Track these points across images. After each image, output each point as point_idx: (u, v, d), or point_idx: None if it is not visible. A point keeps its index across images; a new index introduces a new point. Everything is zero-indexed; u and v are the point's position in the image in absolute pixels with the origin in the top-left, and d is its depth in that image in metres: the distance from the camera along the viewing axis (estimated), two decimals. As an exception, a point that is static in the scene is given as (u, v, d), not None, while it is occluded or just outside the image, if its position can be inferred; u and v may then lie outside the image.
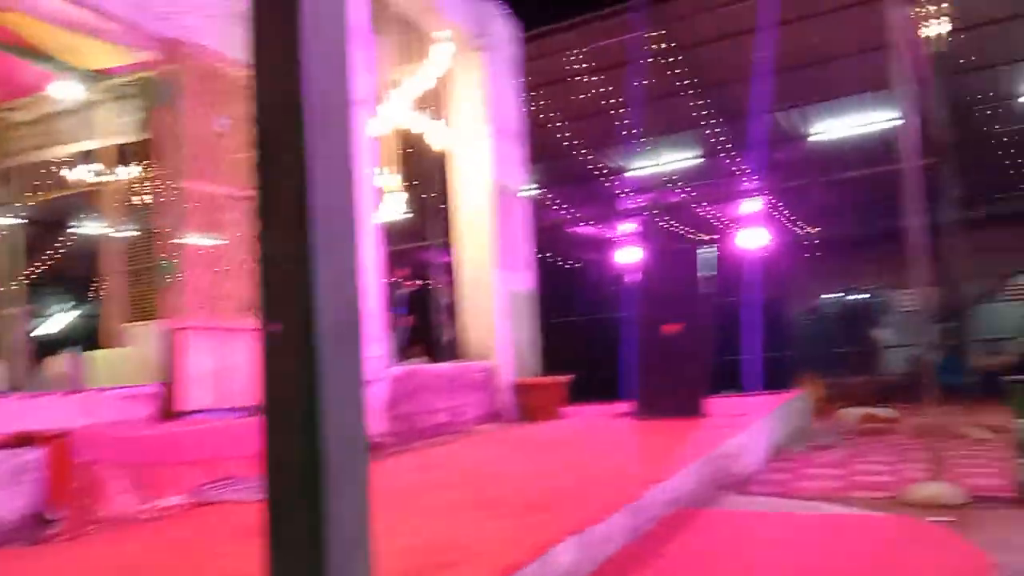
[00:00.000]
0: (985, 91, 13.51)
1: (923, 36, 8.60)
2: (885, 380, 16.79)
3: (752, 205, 16.19)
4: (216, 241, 5.52)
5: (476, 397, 7.63)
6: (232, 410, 5.08)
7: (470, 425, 7.32)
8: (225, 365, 5.25)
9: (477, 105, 8.54)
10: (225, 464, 4.39)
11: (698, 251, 7.58)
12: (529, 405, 7.88)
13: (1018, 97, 13.63)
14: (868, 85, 13.11)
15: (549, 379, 8.27)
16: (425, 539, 2.98)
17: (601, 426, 7.32)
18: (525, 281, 8.86)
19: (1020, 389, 4.95)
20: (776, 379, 12.48)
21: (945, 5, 8.84)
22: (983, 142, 13.86)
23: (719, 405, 7.43)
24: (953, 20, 10.29)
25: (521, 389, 8.01)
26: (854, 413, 9.61)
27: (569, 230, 19.07)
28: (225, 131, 5.59)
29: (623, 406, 7.91)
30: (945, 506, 4.60)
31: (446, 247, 9.02)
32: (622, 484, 4.03)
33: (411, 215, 11.92)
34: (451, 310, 8.71)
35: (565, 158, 16.16)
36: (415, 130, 7.84)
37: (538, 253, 9.84)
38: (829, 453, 7.44)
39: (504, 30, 9.19)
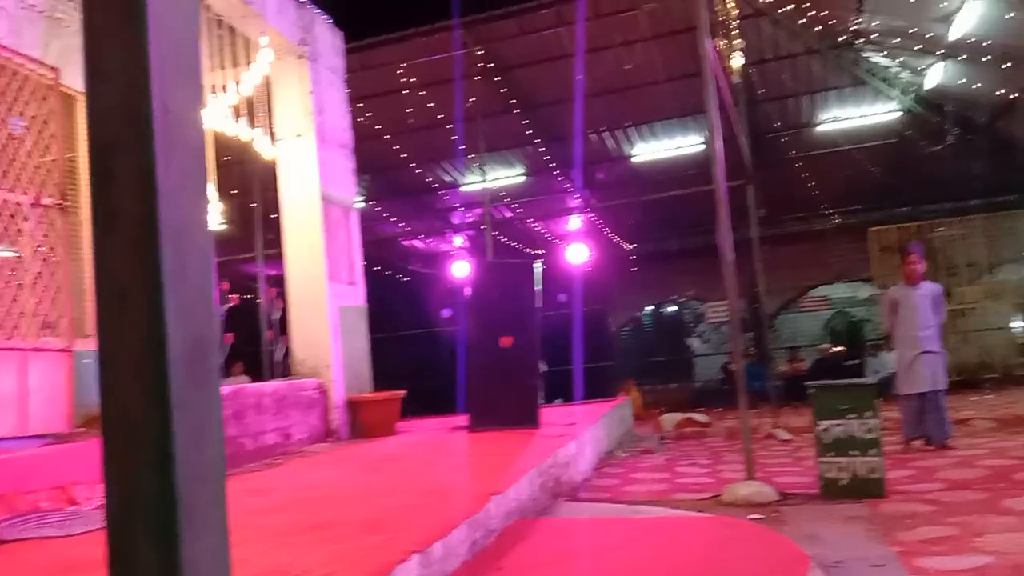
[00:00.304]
0: (785, 119, 14.82)
1: (729, 66, 9.27)
2: (698, 387, 17.95)
3: (575, 221, 16.82)
4: (11, 253, 5.03)
5: (308, 416, 7.37)
6: (36, 438, 4.61)
7: (303, 445, 7.05)
8: (26, 389, 4.76)
9: (302, 114, 8.30)
10: (29, 497, 3.97)
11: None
12: (364, 422, 7.70)
13: (815, 126, 15.03)
14: (682, 110, 14.03)
15: (383, 395, 8.13)
16: (263, 567, 2.83)
17: (437, 440, 7.28)
18: (356, 295, 8.68)
19: (819, 393, 5.39)
20: (599, 388, 12.98)
21: (738, 41, 9.59)
22: (783, 165, 15.17)
23: (549, 415, 7.61)
24: (753, 54, 11.19)
25: (355, 406, 7.81)
26: (672, 418, 10.17)
27: (402, 243, 18.94)
28: (19, 133, 5.12)
29: (459, 419, 7.92)
30: (759, 504, 4.95)
31: (277, 259, 8.66)
32: (462, 498, 4.03)
33: (231, 226, 11.39)
34: (281, 325, 8.35)
35: (395, 171, 16.06)
36: (241, 138, 7.47)
37: (370, 266, 9.68)
38: (652, 457, 7.82)
39: (329, 39, 8.98)
